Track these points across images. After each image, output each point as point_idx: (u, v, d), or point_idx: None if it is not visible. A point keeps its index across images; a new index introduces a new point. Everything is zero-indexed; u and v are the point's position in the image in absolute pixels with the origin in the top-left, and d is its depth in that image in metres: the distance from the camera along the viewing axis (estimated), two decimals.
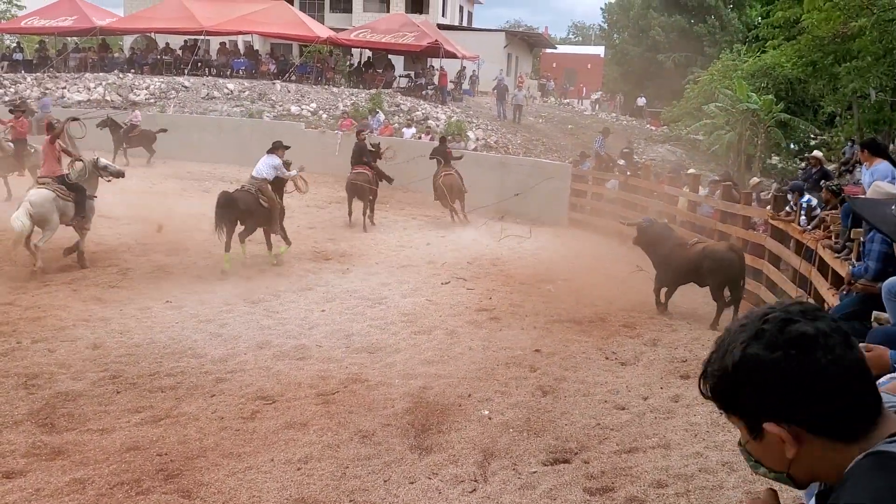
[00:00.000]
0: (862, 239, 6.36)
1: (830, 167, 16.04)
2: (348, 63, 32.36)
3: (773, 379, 1.24)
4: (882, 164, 7.68)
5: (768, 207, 10.34)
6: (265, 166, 11.61)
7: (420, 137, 22.61)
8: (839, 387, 1.23)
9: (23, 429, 5.73)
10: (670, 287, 10.05)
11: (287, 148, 11.90)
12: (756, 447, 1.33)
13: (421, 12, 39.79)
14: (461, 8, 47.96)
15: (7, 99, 24.38)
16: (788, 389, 1.23)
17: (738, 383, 1.27)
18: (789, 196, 10.21)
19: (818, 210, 8.81)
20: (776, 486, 1.47)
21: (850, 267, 6.32)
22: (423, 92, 30.56)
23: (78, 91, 26.85)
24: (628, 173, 16.04)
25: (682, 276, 9.85)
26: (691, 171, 14.18)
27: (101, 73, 28.61)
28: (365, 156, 15.65)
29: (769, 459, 1.33)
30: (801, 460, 1.29)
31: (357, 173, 15.30)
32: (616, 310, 9.83)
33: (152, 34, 31.94)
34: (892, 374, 1.86)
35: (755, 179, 14.34)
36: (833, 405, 1.23)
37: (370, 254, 12.58)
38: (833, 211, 8.06)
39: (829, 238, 7.66)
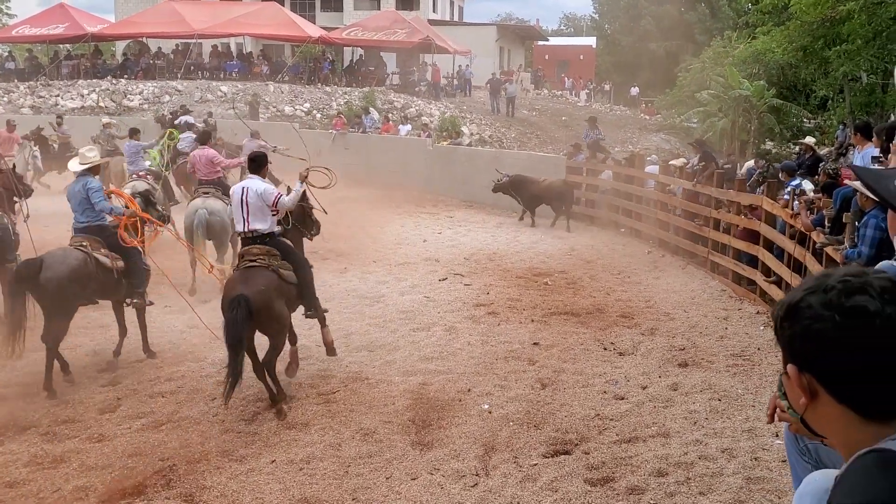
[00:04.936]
0: (856, 222, 6.39)
1: (823, 152, 16.01)
2: (327, 61, 32.17)
3: (810, 332, 1.25)
4: (870, 148, 7.71)
5: (760, 191, 10.36)
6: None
7: (419, 135, 22.58)
8: (872, 364, 1.20)
9: (24, 438, 5.76)
10: (532, 209, 15.70)
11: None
12: (786, 380, 1.35)
13: (411, 9, 39.72)
14: (451, 3, 47.89)
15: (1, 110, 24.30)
16: (819, 346, 1.25)
17: (784, 320, 1.30)
18: (780, 176, 10.28)
19: (810, 194, 8.83)
20: None
21: (844, 251, 6.35)
22: (416, 88, 30.53)
23: (72, 98, 26.81)
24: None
25: (537, 199, 15.56)
26: (681, 159, 14.10)
27: (94, 80, 28.56)
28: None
29: (791, 397, 1.35)
30: (816, 414, 1.31)
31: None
32: (613, 301, 9.85)
33: (144, 39, 31.89)
34: None
35: (749, 163, 13.96)
36: (858, 377, 1.22)
37: (367, 252, 12.59)
38: (821, 194, 8.07)
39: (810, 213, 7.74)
